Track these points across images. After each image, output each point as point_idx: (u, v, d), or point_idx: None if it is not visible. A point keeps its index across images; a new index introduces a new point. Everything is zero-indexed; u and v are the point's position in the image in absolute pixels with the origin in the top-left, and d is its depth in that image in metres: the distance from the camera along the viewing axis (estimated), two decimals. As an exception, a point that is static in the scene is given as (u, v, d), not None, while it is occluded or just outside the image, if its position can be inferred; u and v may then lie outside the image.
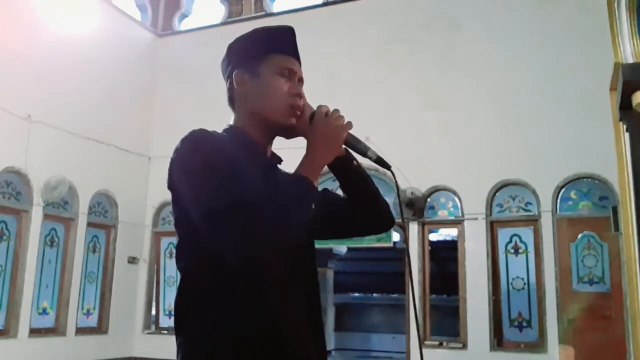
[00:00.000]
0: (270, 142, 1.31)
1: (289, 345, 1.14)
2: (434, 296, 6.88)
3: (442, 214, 6.70)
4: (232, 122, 1.30)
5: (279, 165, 1.33)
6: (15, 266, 6.31)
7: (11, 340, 6.14)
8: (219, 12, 8.60)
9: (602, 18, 5.05)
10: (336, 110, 1.24)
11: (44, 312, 6.67)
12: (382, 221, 1.39)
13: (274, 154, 1.33)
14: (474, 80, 6.64)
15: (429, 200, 6.71)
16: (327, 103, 1.27)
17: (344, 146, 1.25)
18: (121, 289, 7.55)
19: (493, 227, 6.38)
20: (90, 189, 7.23)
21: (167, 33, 8.78)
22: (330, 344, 10.74)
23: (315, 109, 1.26)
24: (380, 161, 1.25)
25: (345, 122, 1.23)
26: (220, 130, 1.27)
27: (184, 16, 9.01)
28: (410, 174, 6.34)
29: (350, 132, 1.24)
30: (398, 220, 1.51)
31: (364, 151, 1.25)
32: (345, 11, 7.54)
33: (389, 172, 1.29)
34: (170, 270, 7.95)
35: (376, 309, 11.54)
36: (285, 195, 1.11)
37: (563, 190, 6.12)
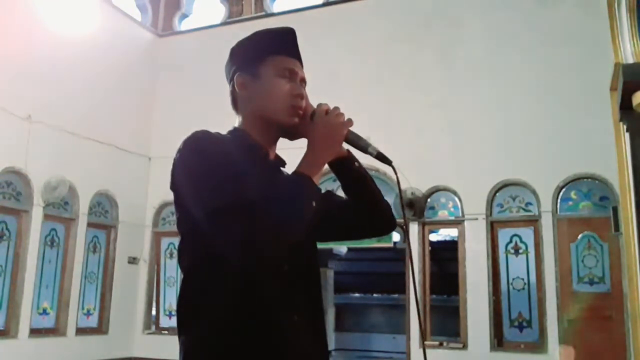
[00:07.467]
0: (274, 144, 1.31)
1: (290, 343, 1.14)
2: (434, 296, 6.89)
3: (442, 214, 6.70)
4: (235, 125, 1.30)
5: (283, 168, 1.32)
6: (15, 266, 6.31)
7: (11, 340, 6.14)
8: (219, 12, 8.62)
9: (602, 18, 5.06)
10: (336, 108, 1.24)
11: (44, 312, 6.66)
12: (384, 223, 1.37)
13: (277, 156, 1.32)
14: (474, 80, 6.64)
15: (429, 200, 6.71)
16: (327, 103, 1.27)
17: (345, 144, 1.24)
18: (121, 289, 7.55)
19: (493, 227, 6.38)
20: (90, 189, 7.22)
21: (167, 33, 8.78)
22: (330, 344, 10.73)
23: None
24: (380, 157, 1.24)
25: (345, 118, 1.22)
26: (223, 132, 1.27)
27: (184, 16, 9.02)
28: (410, 174, 6.34)
29: (350, 129, 1.23)
30: (399, 220, 1.50)
31: (365, 147, 1.23)
32: (345, 11, 7.54)
33: (389, 173, 1.30)
34: (170, 270, 7.95)
35: (376, 309, 11.53)
36: (285, 193, 1.11)
37: (563, 190, 6.12)
